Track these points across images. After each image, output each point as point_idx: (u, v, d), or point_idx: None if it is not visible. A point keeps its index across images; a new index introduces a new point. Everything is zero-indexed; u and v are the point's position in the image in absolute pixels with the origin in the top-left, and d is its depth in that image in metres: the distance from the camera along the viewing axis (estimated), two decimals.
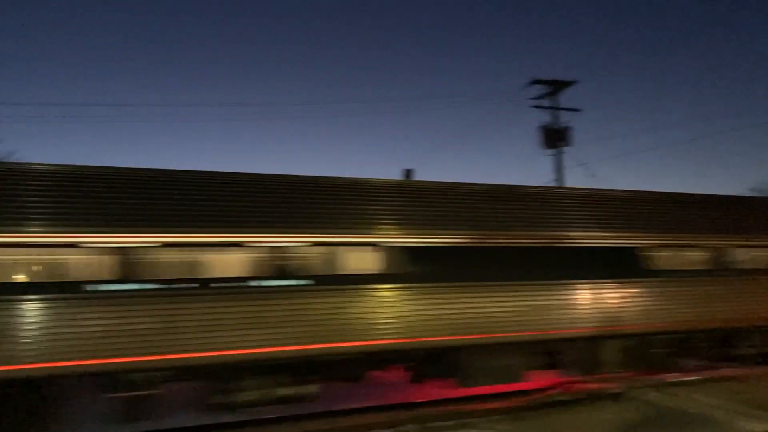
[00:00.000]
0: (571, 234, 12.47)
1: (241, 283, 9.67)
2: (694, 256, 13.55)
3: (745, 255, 14.05)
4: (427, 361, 11.50)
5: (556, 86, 27.05)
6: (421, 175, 13.06)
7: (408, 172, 14.48)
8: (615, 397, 11.48)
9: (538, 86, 27.15)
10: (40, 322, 8.57)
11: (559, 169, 27.02)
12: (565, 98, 27.29)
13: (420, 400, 11.71)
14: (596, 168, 74.69)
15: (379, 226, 10.86)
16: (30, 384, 8.75)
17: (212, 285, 9.47)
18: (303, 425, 10.24)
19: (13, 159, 26.36)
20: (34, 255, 8.88)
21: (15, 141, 45.51)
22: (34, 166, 9.41)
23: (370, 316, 10.35)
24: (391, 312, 10.49)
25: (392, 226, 10.96)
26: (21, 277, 8.85)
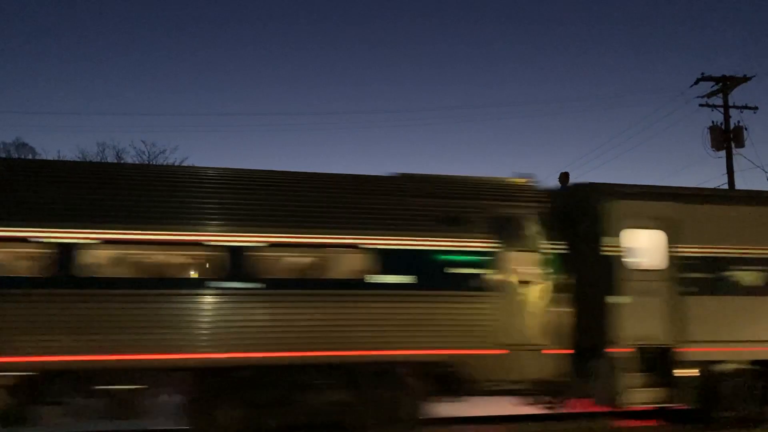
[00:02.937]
0: None
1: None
2: None
3: None
4: None
5: (727, 83, 25.00)
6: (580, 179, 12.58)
7: (564, 176, 14.07)
8: None
9: (708, 84, 25.33)
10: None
11: (729, 172, 24.96)
12: (738, 95, 25.18)
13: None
14: None
15: None
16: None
17: None
18: None
19: (185, 163, 28.86)
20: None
21: (187, 148, 49.64)
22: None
23: None
24: None
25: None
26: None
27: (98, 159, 29.73)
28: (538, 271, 9.99)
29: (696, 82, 25.36)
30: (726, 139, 24.53)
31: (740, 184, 24.62)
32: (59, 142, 54.68)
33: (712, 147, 24.98)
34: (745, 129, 24.72)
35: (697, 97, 25.59)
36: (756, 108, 25.02)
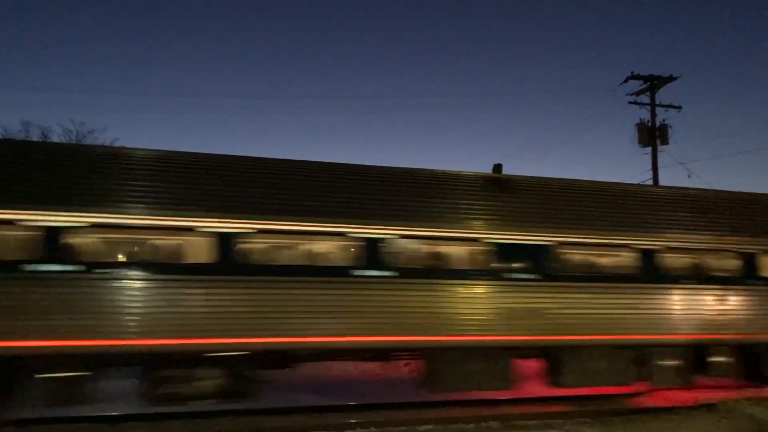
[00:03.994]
0: None
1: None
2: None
3: None
4: None
5: (655, 82, 25.96)
6: (512, 171, 12.85)
7: (497, 167, 14.29)
8: (710, 408, 10.95)
9: (636, 82, 26.21)
10: None
11: (654, 167, 25.97)
12: (665, 95, 26.23)
13: (504, 398, 11.61)
14: (695, 168, 71.15)
15: None
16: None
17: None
18: (394, 415, 10.39)
19: (117, 144, 27.89)
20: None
21: (119, 129, 48.03)
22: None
23: None
24: None
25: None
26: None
27: (23, 137, 28.50)
28: None
29: (626, 81, 26.22)
30: (652, 136, 25.53)
31: (664, 180, 25.71)
32: None
33: (639, 143, 25.95)
34: (670, 127, 25.78)
35: (627, 94, 26.51)
36: (680, 107, 26.11)
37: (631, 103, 26.37)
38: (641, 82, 26.11)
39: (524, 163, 75.74)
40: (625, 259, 11.69)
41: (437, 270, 10.53)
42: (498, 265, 10.67)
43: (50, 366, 8.81)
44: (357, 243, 10.04)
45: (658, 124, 25.81)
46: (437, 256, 10.81)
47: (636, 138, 26.06)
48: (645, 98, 26.24)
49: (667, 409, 11.10)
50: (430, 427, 9.68)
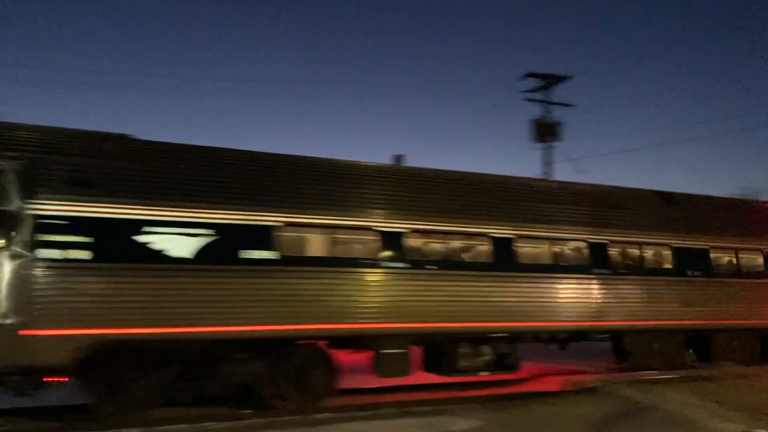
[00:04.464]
0: None
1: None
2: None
3: None
4: None
5: (550, 80, 27.06)
6: (412, 162, 13.05)
7: (398, 158, 14.44)
8: (590, 391, 11.56)
9: (533, 79, 27.20)
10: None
11: (548, 163, 27.11)
12: (559, 93, 27.36)
13: (396, 385, 11.78)
14: (586, 164, 75.04)
15: None
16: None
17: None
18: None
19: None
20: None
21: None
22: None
23: None
24: None
25: None
26: None
27: None
28: None
29: (524, 78, 27.14)
30: (545, 132, 26.62)
31: (558, 176, 26.90)
32: None
33: (534, 139, 26.99)
34: (562, 124, 27.01)
35: (524, 91, 27.46)
36: (573, 105, 27.37)
37: (526, 99, 27.39)
38: (538, 79, 27.17)
39: (428, 154, 77.03)
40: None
41: None
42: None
43: None
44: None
45: (552, 121, 26.95)
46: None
47: (531, 134, 27.13)
48: (546, 95, 27.32)
49: (553, 393, 11.62)
50: (327, 415, 9.61)
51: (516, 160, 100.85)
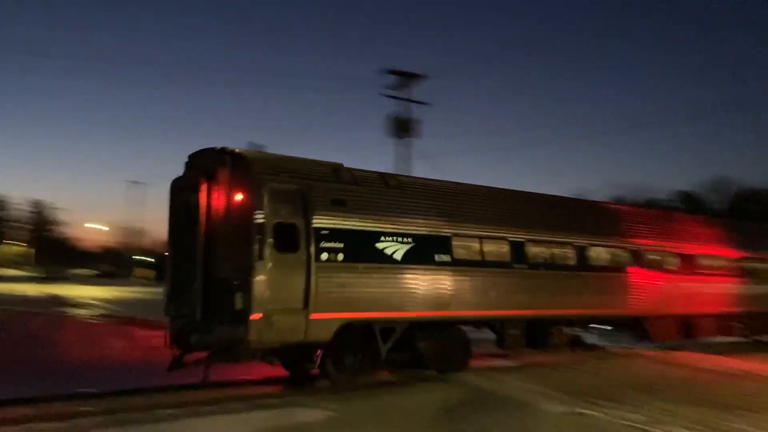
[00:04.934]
0: None
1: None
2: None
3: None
4: None
5: (409, 78, 27.64)
6: (272, 150, 12.98)
7: (254, 146, 14.24)
8: (442, 380, 11.93)
9: (393, 76, 27.66)
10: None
11: (405, 159, 27.71)
12: (417, 91, 28.05)
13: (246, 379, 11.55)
14: (441, 161, 77.92)
15: None
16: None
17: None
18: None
19: None
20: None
21: None
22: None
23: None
24: None
25: None
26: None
27: None
28: None
29: (383, 74, 27.54)
30: (402, 129, 27.19)
31: (415, 171, 27.59)
32: None
33: (391, 135, 27.48)
34: (419, 121, 27.70)
35: (385, 87, 27.87)
36: (429, 104, 28.23)
37: (385, 96, 27.81)
38: (397, 76, 27.68)
39: (288, 143, 76.15)
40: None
41: None
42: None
43: None
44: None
45: (409, 118, 27.56)
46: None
47: (389, 130, 27.60)
48: (404, 92, 27.85)
49: (405, 382, 11.87)
50: (170, 411, 9.13)
51: (374, 154, 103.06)
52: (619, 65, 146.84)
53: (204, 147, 11.70)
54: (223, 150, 11.13)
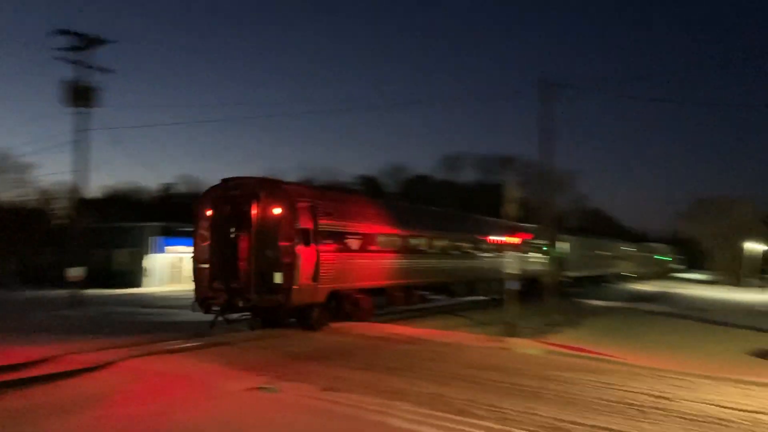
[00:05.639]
0: None
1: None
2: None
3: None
4: None
5: (88, 42, 24.98)
6: None
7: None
8: (111, 367, 11.02)
9: (68, 37, 24.74)
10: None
11: (82, 130, 25.06)
12: (99, 57, 25.56)
13: None
14: (123, 134, 73.21)
15: None
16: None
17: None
18: None
19: None
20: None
21: None
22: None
23: None
24: None
25: None
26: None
27: None
28: None
29: (54, 35, 24.50)
30: (80, 97, 24.49)
31: (93, 144, 25.14)
32: None
33: (66, 103, 24.62)
34: (100, 90, 25.24)
35: (58, 50, 24.82)
36: (113, 71, 25.95)
37: (58, 59, 24.78)
38: (74, 38, 24.83)
39: None
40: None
41: None
42: None
43: None
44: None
45: (88, 85, 24.92)
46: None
47: (63, 97, 24.69)
48: (84, 56, 25.05)
49: (62, 374, 10.69)
50: None
51: (45, 122, 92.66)
52: (306, 55, 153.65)
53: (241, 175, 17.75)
54: (264, 179, 17.97)
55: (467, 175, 79.90)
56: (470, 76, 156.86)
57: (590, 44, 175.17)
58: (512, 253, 18.34)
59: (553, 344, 15.72)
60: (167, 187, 68.59)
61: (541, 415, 8.09)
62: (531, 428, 7.55)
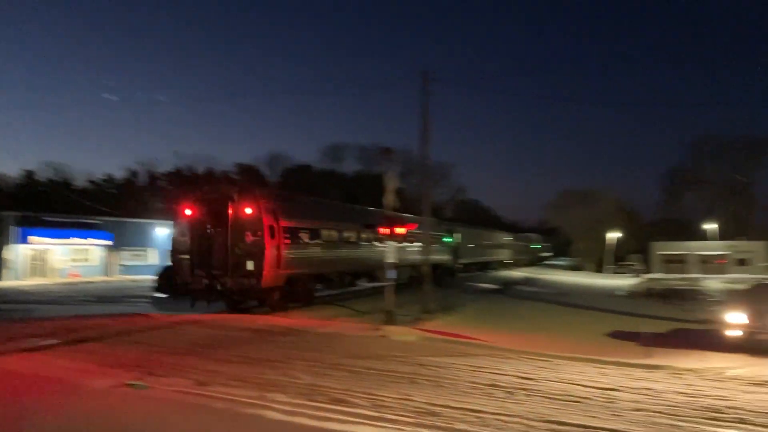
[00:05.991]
0: None
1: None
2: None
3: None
4: None
5: None
6: None
7: None
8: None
9: None
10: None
11: None
12: None
13: None
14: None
15: None
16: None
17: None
18: None
19: None
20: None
21: None
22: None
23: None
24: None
25: None
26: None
27: None
28: None
29: None
30: None
31: None
32: None
33: None
34: None
35: None
36: None
37: None
38: None
39: None
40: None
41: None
42: None
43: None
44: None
45: None
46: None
47: None
48: None
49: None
50: None
51: None
52: (184, 39, 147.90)
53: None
54: (238, 185, 24.02)
55: (349, 166, 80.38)
56: (354, 67, 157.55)
57: (478, 40, 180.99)
58: (391, 243, 18.67)
59: (428, 330, 16.19)
60: (29, 174, 63.60)
61: (415, 401, 8.30)
62: (405, 414, 7.73)
